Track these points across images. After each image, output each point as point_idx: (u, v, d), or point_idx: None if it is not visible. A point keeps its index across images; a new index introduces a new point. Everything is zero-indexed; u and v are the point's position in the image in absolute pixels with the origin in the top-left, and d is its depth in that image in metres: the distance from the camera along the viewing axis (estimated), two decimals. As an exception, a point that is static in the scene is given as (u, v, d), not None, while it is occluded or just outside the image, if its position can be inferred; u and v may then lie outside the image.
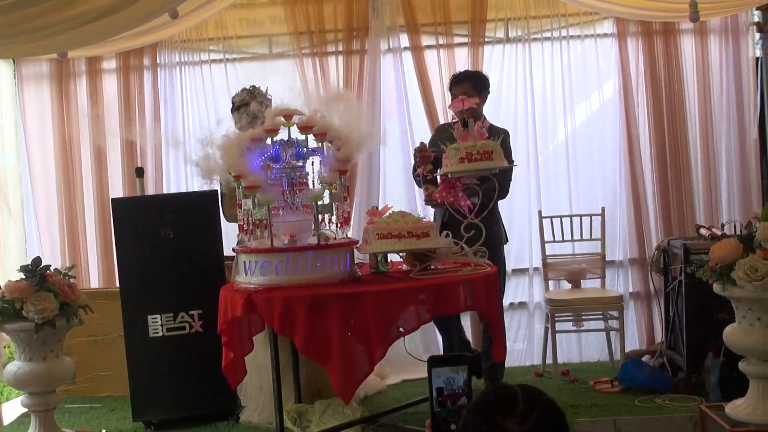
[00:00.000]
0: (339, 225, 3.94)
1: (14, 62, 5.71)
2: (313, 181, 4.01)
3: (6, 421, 5.14)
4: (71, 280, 3.58)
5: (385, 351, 3.57)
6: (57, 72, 5.76)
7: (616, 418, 4.21)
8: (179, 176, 5.83)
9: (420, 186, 4.86)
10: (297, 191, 3.95)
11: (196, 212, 4.61)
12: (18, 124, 5.79)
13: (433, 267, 4.02)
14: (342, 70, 5.78)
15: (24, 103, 5.81)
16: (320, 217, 3.86)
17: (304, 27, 5.75)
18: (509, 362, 5.67)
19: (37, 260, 3.51)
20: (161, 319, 4.59)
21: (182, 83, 5.84)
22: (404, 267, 4.23)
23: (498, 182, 4.31)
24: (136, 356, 4.61)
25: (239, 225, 3.98)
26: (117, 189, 5.80)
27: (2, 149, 5.50)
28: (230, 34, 5.84)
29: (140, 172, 4.89)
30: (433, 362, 1.78)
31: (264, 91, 4.74)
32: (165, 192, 5.73)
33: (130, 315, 4.59)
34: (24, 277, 3.41)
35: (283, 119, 3.95)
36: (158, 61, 5.82)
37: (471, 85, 4.85)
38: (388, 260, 4.29)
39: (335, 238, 3.94)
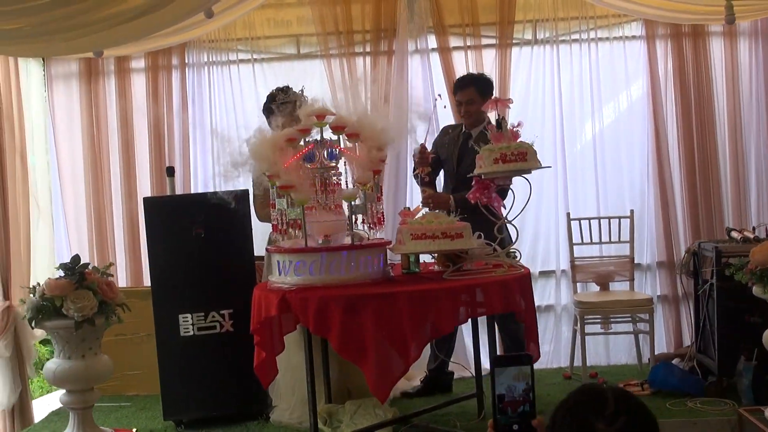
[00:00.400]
0: (372, 225, 3.94)
1: (44, 62, 5.74)
2: (346, 181, 4.01)
3: (37, 419, 5.18)
4: (109, 279, 3.61)
5: (420, 351, 3.59)
6: (86, 71, 5.78)
7: (652, 421, 4.18)
8: (207, 175, 5.84)
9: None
10: (330, 191, 3.96)
11: (227, 212, 4.60)
12: (47, 123, 5.81)
13: (465, 268, 4.01)
14: (369, 70, 5.78)
15: (53, 102, 5.83)
16: (353, 217, 3.87)
17: (332, 27, 5.75)
18: (537, 364, 5.66)
19: (76, 258, 3.52)
20: (192, 318, 4.60)
21: (210, 83, 5.85)
22: (435, 268, 4.23)
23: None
24: (167, 355, 4.62)
25: (273, 224, 4.00)
26: (145, 188, 5.81)
27: (32, 149, 5.51)
28: (258, 34, 5.85)
29: (171, 172, 4.90)
30: (497, 362, 1.76)
31: (300, 91, 4.73)
32: (193, 191, 5.74)
33: (162, 314, 4.59)
34: (63, 275, 3.42)
35: (315, 119, 3.96)
36: (186, 61, 5.83)
37: (476, 90, 4.84)
38: (420, 261, 4.29)
39: (368, 239, 3.95)
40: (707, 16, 5.41)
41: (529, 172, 3.98)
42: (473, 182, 4.11)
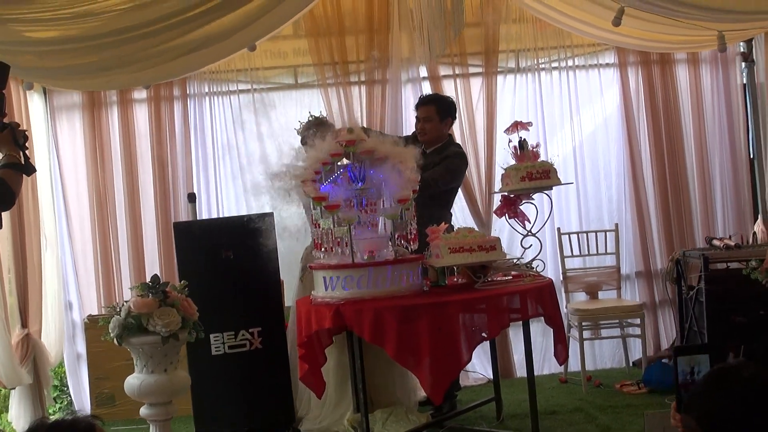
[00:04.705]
0: (409, 241, 4.24)
1: (45, 93, 5.83)
2: (383, 201, 4.30)
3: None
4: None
5: (470, 355, 3.90)
6: (89, 102, 5.86)
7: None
8: (210, 203, 6.01)
9: None
10: (368, 210, 4.25)
11: (253, 234, 4.80)
12: (51, 154, 5.88)
13: (489, 279, 4.33)
14: (365, 99, 6.09)
15: (56, 133, 5.91)
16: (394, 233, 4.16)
17: (327, 58, 6.02)
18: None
19: (155, 278, 3.70)
20: (223, 337, 4.78)
21: (211, 112, 6.04)
22: (457, 280, 4.53)
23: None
24: (198, 374, 4.76)
25: (316, 243, 4.24)
26: (149, 216, 5.93)
27: (37, 180, 5.57)
28: (257, 65, 6.03)
29: (192, 198, 5.07)
30: (679, 351, 2.08)
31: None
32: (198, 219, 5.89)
33: (194, 334, 4.75)
34: (143, 293, 3.60)
35: (345, 145, 4.24)
36: (188, 92, 6.00)
37: (435, 109, 5.14)
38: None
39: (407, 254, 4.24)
40: (675, 45, 5.96)
41: (551, 188, 4.36)
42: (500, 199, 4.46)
